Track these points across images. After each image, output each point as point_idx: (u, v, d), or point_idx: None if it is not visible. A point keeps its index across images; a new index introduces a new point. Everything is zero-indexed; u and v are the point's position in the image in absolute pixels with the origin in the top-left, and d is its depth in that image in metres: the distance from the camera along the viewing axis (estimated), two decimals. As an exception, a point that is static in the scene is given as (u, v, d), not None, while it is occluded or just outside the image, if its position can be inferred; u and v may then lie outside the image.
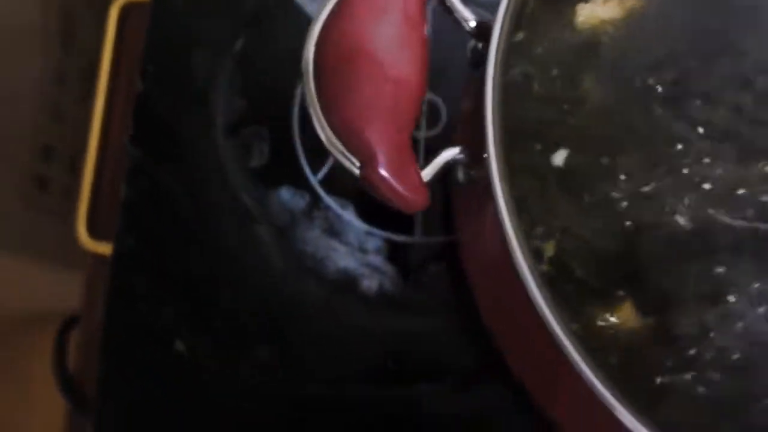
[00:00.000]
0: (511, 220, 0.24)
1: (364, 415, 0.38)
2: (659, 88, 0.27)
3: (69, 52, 0.69)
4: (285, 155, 0.42)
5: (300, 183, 0.41)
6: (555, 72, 0.27)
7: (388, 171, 0.25)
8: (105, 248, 0.42)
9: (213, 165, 0.42)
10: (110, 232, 0.42)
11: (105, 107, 0.44)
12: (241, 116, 0.43)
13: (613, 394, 0.22)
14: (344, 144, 0.25)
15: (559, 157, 0.26)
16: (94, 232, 0.43)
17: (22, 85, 0.65)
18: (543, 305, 0.23)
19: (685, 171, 0.26)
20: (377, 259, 0.40)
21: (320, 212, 0.41)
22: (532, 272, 0.23)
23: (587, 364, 0.22)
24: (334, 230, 0.41)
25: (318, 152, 0.42)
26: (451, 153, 0.27)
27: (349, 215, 0.41)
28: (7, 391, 0.57)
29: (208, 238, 0.41)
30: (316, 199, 0.41)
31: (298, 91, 0.43)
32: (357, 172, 0.26)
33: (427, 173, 0.27)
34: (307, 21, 0.43)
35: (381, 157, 0.25)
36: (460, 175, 0.28)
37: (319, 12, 0.27)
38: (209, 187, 0.41)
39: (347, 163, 0.26)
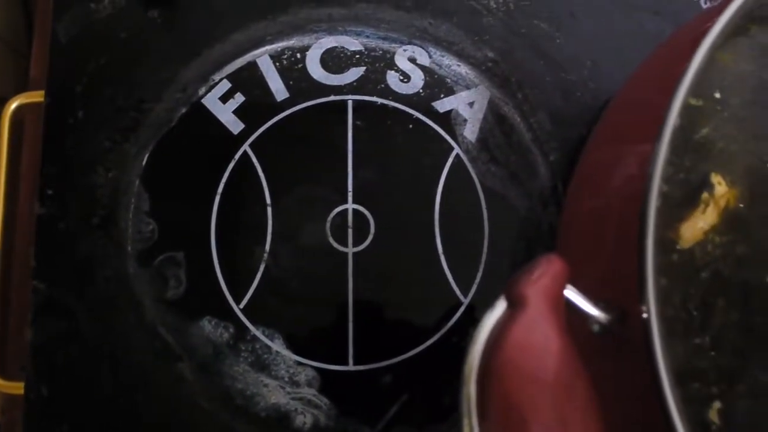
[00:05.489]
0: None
1: None
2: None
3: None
4: (204, 282, 0.39)
5: (222, 313, 0.39)
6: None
7: None
8: (19, 389, 0.39)
9: (126, 298, 0.39)
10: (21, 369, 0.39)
11: (3, 227, 0.41)
12: (153, 241, 0.39)
13: None
14: None
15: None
16: (4, 371, 0.40)
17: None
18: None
19: None
20: (310, 392, 0.38)
21: (246, 344, 0.38)
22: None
23: None
24: (262, 363, 0.38)
25: (240, 277, 0.39)
26: None
27: (278, 346, 0.38)
28: None
29: (126, 380, 0.38)
30: (241, 329, 0.38)
31: (215, 210, 0.39)
32: None
33: None
34: (220, 129, 0.40)
35: None
36: None
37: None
38: (124, 324, 0.38)
39: None
